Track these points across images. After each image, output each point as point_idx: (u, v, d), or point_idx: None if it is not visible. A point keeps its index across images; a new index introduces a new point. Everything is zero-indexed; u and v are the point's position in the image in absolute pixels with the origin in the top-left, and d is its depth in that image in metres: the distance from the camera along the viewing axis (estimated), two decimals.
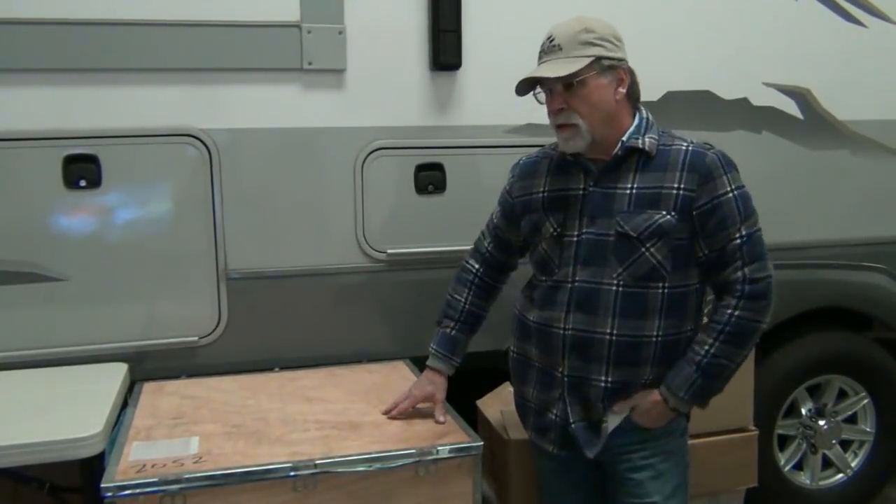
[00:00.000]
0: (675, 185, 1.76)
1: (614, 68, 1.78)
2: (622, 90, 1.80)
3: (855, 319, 3.08)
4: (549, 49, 1.76)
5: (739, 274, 1.76)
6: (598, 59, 1.75)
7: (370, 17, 2.37)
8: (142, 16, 2.19)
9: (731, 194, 1.76)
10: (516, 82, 1.81)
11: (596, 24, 1.77)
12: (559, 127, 1.80)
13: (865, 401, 3.09)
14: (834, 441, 3.07)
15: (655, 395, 1.82)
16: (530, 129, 2.51)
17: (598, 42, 1.76)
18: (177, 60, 2.24)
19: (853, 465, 3.12)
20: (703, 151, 1.79)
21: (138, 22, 2.19)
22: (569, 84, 1.75)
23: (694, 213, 1.76)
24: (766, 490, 2.79)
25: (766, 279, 1.78)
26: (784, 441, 3.06)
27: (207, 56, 2.26)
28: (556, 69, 1.73)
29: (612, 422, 1.84)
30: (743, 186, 1.80)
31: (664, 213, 1.76)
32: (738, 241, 1.76)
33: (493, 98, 2.49)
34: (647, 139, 1.80)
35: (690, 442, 2.39)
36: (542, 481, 2.11)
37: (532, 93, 1.84)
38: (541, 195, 1.91)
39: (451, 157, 2.50)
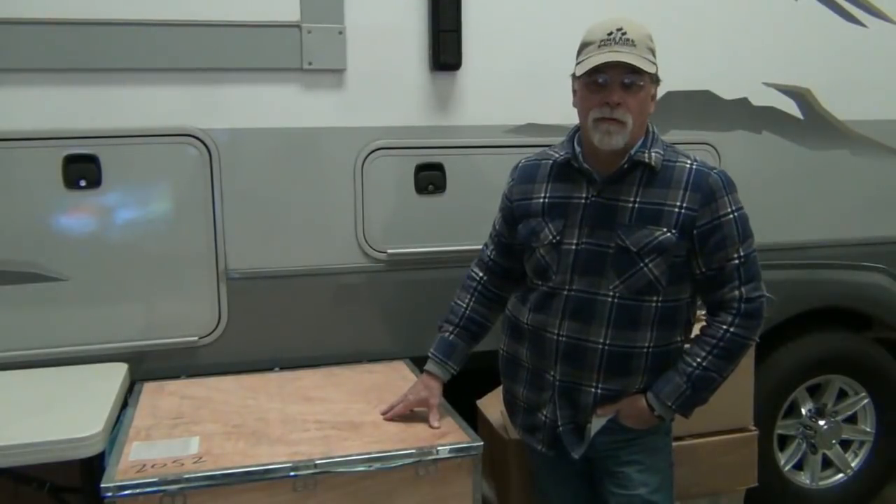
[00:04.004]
0: (678, 203, 1.78)
1: (657, 83, 1.82)
2: (653, 105, 1.84)
3: (855, 319, 3.08)
4: (622, 40, 1.73)
5: (736, 293, 1.79)
6: (657, 69, 1.79)
7: (370, 17, 2.37)
8: (142, 16, 2.19)
9: (731, 215, 1.79)
10: (589, 64, 1.74)
11: (653, 36, 1.80)
12: (606, 120, 1.75)
13: (865, 401, 3.09)
14: (834, 441, 3.08)
15: (641, 402, 1.85)
16: (530, 129, 2.51)
17: (655, 53, 1.79)
18: (177, 60, 2.24)
19: (853, 465, 3.12)
20: (707, 171, 1.80)
21: (138, 22, 2.19)
22: (626, 83, 1.74)
23: (695, 231, 1.78)
24: (767, 490, 2.79)
25: (761, 298, 1.82)
26: (784, 441, 3.06)
27: (207, 56, 2.26)
28: (640, 62, 1.72)
29: (595, 425, 1.88)
30: (742, 207, 1.82)
31: (665, 230, 1.77)
32: (736, 261, 1.79)
33: (493, 98, 2.50)
34: (653, 154, 1.81)
35: (690, 442, 2.42)
36: (535, 474, 2.14)
37: (597, 78, 1.74)
38: (541, 201, 1.91)
39: (451, 157, 2.50)
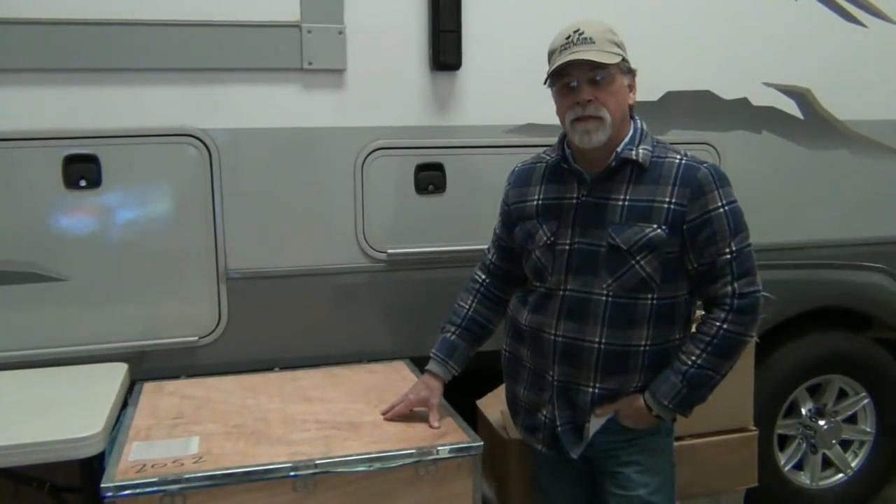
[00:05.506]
0: (667, 199, 1.78)
1: (632, 73, 1.83)
2: (633, 96, 1.84)
3: (855, 319, 3.08)
4: (580, 41, 1.75)
5: (729, 288, 1.78)
6: (624, 59, 1.79)
7: (370, 17, 2.37)
8: (142, 16, 2.19)
9: (721, 209, 1.78)
10: (551, 69, 1.78)
11: (615, 29, 1.81)
12: (582, 119, 1.77)
13: (865, 401, 3.09)
14: (834, 441, 3.08)
15: (639, 402, 1.85)
16: (530, 129, 2.51)
17: (621, 45, 1.80)
18: (177, 60, 2.24)
19: (853, 465, 3.12)
20: (696, 166, 1.80)
21: (138, 22, 2.19)
22: (594, 79, 1.75)
23: (685, 227, 1.78)
24: (767, 490, 2.79)
25: (755, 294, 1.80)
26: (784, 441, 3.06)
27: (207, 56, 2.26)
28: (599, 56, 1.73)
29: (594, 425, 1.88)
30: (734, 201, 1.81)
31: (655, 226, 1.77)
32: (728, 255, 1.78)
33: (493, 98, 2.50)
34: (640, 150, 1.81)
35: (690, 442, 2.42)
36: (536, 473, 2.14)
37: (567, 82, 1.78)
38: (535, 203, 1.92)
39: (451, 157, 2.50)
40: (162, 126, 2.26)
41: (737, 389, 2.41)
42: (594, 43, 1.75)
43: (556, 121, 1.88)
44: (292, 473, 1.78)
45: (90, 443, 1.81)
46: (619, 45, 1.80)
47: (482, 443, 1.93)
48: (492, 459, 2.30)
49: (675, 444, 2.03)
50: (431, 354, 2.08)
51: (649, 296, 1.80)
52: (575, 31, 1.77)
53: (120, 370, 2.25)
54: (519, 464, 2.23)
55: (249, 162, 2.34)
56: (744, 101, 2.74)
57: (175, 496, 1.70)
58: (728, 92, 2.72)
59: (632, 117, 1.86)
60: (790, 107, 2.80)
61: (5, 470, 1.90)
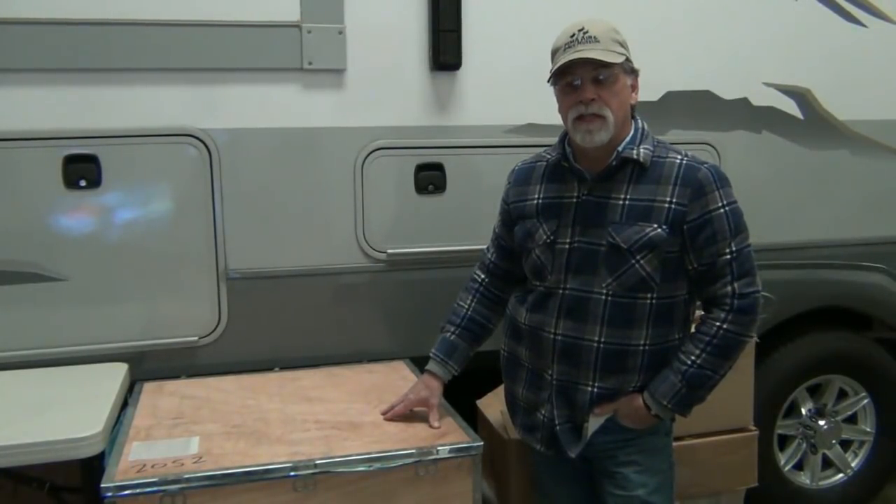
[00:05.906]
0: (668, 199, 1.78)
1: (634, 73, 1.84)
2: (635, 96, 1.84)
3: (855, 319, 3.08)
4: (585, 39, 1.75)
5: (729, 289, 1.79)
6: (627, 59, 1.80)
7: (370, 17, 2.37)
8: (142, 16, 2.19)
9: (722, 210, 1.78)
10: (554, 67, 1.78)
11: (619, 29, 1.81)
12: (585, 118, 1.77)
13: (865, 401, 3.09)
14: (834, 441, 3.08)
15: (638, 401, 1.84)
16: (530, 129, 2.51)
17: (624, 44, 1.81)
18: (177, 60, 2.24)
19: (853, 465, 3.12)
20: (697, 166, 1.80)
21: (138, 22, 2.19)
22: (598, 78, 1.75)
23: (685, 227, 1.78)
24: (767, 490, 2.79)
25: (755, 294, 1.80)
26: (784, 441, 3.06)
27: (207, 56, 2.26)
28: (604, 55, 1.74)
29: (592, 424, 1.87)
30: (735, 202, 1.81)
31: (655, 226, 1.77)
32: (728, 256, 1.78)
33: (493, 98, 2.50)
34: (641, 150, 1.81)
35: (690, 442, 2.42)
36: (535, 473, 2.14)
37: (570, 80, 1.78)
38: (535, 202, 1.92)
39: (451, 157, 2.50)
40: (162, 126, 2.26)
41: (737, 389, 2.41)
42: (598, 42, 1.75)
43: (556, 121, 1.88)
44: (292, 473, 1.78)
45: (90, 443, 1.81)
46: (622, 45, 1.80)
47: (482, 443, 1.93)
48: (492, 459, 2.30)
49: (675, 444, 2.03)
50: (431, 354, 2.09)
51: (649, 295, 1.81)
52: (579, 30, 1.77)
53: (120, 370, 2.25)
54: (519, 464, 2.24)
55: (249, 162, 2.34)
56: (744, 101, 2.74)
57: (175, 496, 1.70)
58: (728, 92, 2.72)
59: (633, 117, 1.86)
60: (790, 107, 2.80)
61: (5, 470, 1.90)
